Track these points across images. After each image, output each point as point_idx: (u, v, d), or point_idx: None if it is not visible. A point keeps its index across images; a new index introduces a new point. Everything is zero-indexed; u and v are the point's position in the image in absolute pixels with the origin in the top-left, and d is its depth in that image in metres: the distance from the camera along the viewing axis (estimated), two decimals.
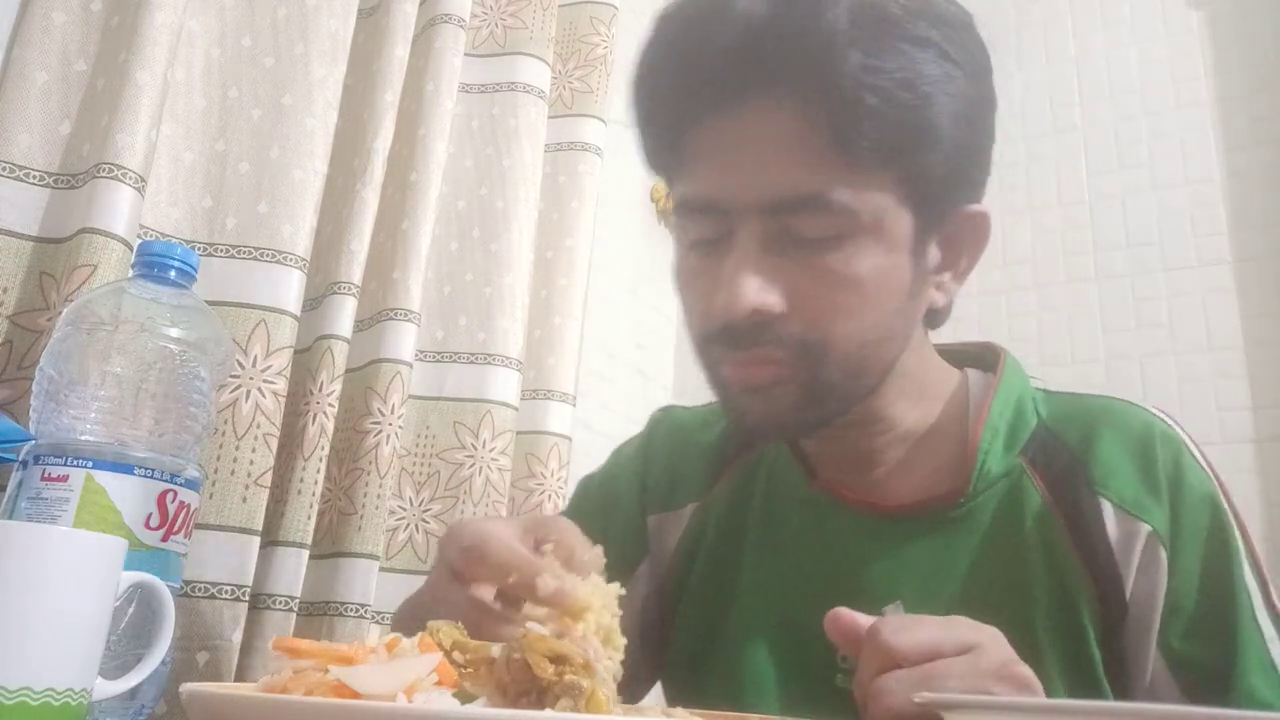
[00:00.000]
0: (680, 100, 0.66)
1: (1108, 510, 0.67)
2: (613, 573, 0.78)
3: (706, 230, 0.66)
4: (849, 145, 0.61)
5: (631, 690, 0.75)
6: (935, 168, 0.63)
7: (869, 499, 0.72)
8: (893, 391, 0.70)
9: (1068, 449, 0.70)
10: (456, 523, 0.66)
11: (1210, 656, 0.64)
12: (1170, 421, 0.71)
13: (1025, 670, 0.52)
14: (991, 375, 0.74)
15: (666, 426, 0.87)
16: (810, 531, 0.74)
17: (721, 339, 0.65)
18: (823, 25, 0.60)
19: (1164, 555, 0.65)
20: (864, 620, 0.53)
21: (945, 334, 0.77)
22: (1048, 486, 0.69)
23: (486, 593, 0.55)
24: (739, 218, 0.63)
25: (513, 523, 0.58)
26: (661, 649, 0.81)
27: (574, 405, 1.33)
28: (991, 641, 0.52)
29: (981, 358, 0.78)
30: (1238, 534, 0.67)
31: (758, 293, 0.62)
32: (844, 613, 0.54)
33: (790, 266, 0.63)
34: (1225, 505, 0.68)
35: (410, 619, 0.60)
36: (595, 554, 0.55)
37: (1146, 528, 0.66)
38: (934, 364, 0.75)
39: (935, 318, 0.73)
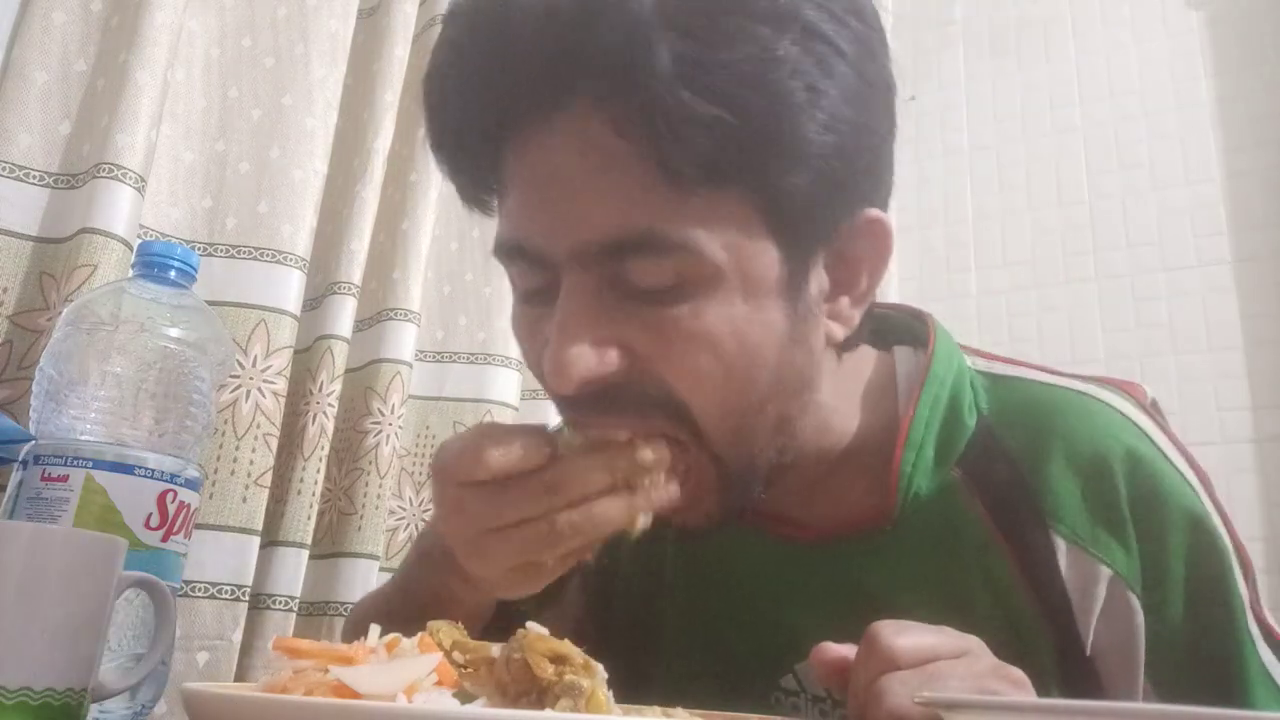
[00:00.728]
0: (471, 119, 0.54)
1: (1061, 548, 0.57)
2: (545, 597, 0.65)
3: (532, 280, 0.54)
4: (676, 169, 0.47)
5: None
6: (800, 184, 0.49)
7: (788, 529, 0.64)
8: (814, 428, 0.59)
9: (1011, 463, 0.59)
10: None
11: (1209, 680, 0.58)
12: (1134, 417, 0.60)
13: (1018, 671, 0.50)
14: (923, 354, 0.63)
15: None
16: (730, 556, 0.66)
17: (571, 405, 0.53)
18: (627, 12, 0.46)
19: (1134, 600, 0.57)
20: (849, 651, 0.48)
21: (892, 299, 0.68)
22: (989, 510, 0.59)
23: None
24: (561, 267, 0.51)
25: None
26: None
27: None
28: (980, 647, 0.50)
29: (911, 331, 0.66)
30: (1227, 543, 0.58)
31: (589, 360, 0.50)
32: (830, 646, 0.49)
33: (629, 322, 0.50)
34: (1209, 516, 0.58)
35: (395, 605, 0.57)
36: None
37: (1107, 571, 0.57)
38: (853, 380, 0.63)
39: (851, 340, 0.59)
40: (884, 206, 0.56)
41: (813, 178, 0.50)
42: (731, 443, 0.53)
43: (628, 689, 0.69)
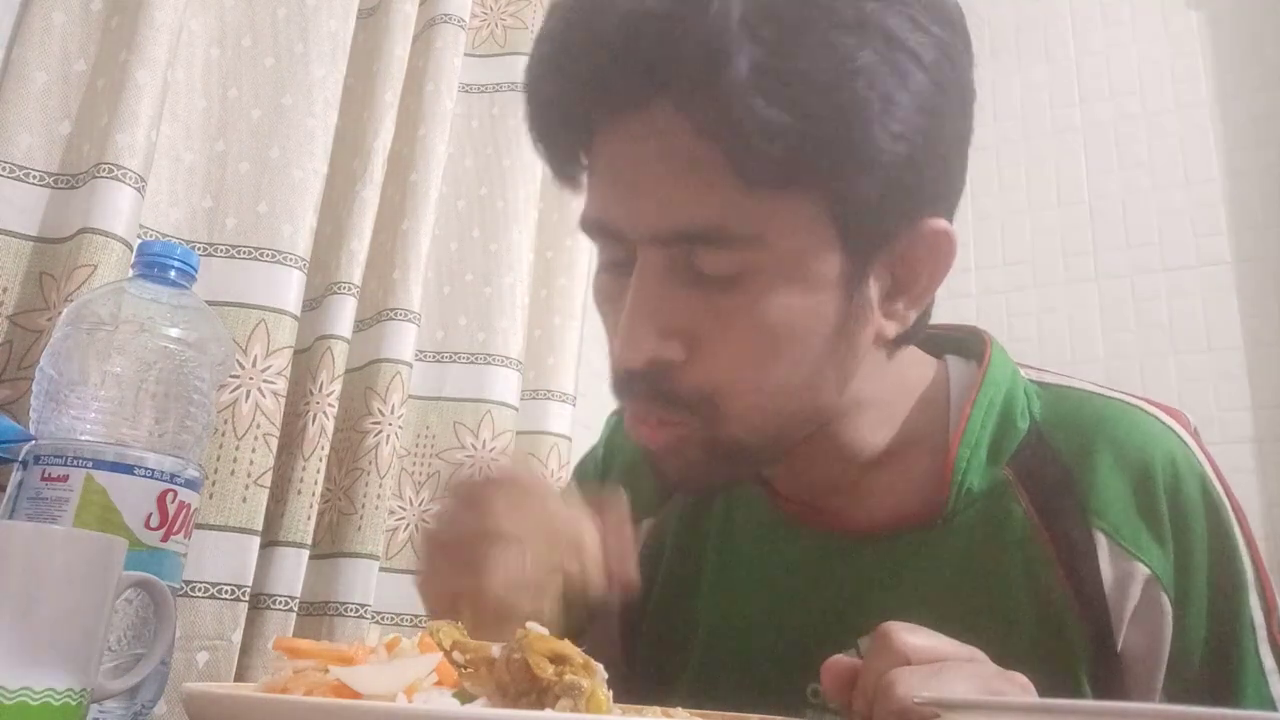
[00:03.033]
0: (568, 106, 0.57)
1: (1102, 545, 0.59)
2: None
3: (612, 253, 0.58)
4: (748, 169, 0.50)
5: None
6: (867, 190, 0.52)
7: (837, 522, 0.65)
8: (849, 421, 0.62)
9: (1060, 464, 0.61)
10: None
11: (1212, 696, 0.58)
12: (1178, 431, 0.63)
13: (1022, 676, 0.50)
14: (975, 366, 0.66)
15: (621, 430, 0.78)
16: (773, 553, 0.68)
17: (622, 387, 0.58)
18: (709, 17, 0.48)
19: (1167, 602, 0.58)
20: (857, 663, 0.50)
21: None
22: (1036, 508, 0.61)
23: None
24: (639, 245, 0.55)
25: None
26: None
27: (574, 405, 1.33)
28: (985, 657, 0.51)
29: (964, 344, 0.69)
30: (1248, 563, 0.60)
31: (656, 339, 0.54)
32: (840, 658, 0.50)
33: (694, 304, 0.54)
34: (1236, 535, 0.60)
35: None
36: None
37: (1145, 571, 0.58)
38: (899, 380, 0.65)
39: (904, 338, 0.62)
40: (951, 211, 0.58)
41: (881, 185, 0.51)
42: (750, 428, 0.56)
43: (663, 663, 0.71)
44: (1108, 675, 0.59)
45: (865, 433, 0.63)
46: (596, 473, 0.79)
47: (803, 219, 0.53)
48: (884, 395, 0.63)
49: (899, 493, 0.64)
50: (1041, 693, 0.55)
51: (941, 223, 0.57)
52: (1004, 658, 0.53)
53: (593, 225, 0.58)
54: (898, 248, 0.56)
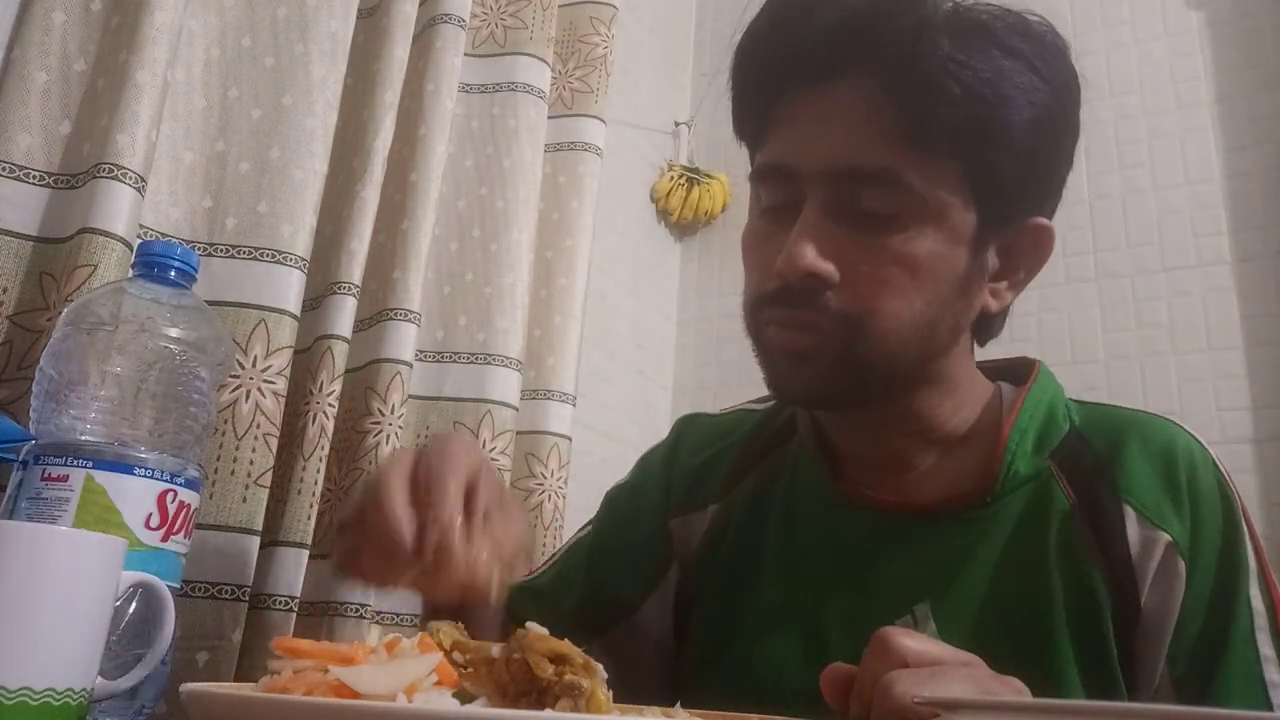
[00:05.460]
0: (776, 71, 0.69)
1: (1130, 516, 0.67)
2: (643, 578, 0.83)
3: (778, 195, 0.68)
4: (924, 129, 0.63)
5: (672, 695, 0.75)
6: (1004, 167, 0.65)
7: (895, 499, 0.73)
8: (935, 394, 0.71)
9: (1095, 454, 0.70)
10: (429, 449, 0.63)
11: (1201, 673, 0.64)
12: (1196, 435, 0.72)
13: (1018, 681, 0.53)
14: (1023, 387, 0.75)
15: (692, 431, 0.88)
16: (833, 532, 0.75)
17: (774, 298, 0.67)
18: (921, 14, 0.64)
19: (1183, 567, 0.66)
20: (855, 669, 0.53)
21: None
22: (1074, 489, 0.69)
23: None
24: (809, 183, 0.66)
25: (454, 470, 0.58)
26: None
27: (574, 405, 1.33)
28: (981, 662, 0.53)
29: (1014, 371, 0.78)
30: (1251, 553, 0.67)
31: (816, 257, 0.64)
32: (839, 665, 0.54)
33: (851, 238, 0.65)
34: (1243, 524, 0.68)
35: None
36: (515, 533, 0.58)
37: (1166, 537, 0.66)
38: (974, 373, 0.76)
39: (987, 326, 0.74)
40: (1051, 214, 0.71)
41: (1013, 166, 0.65)
42: (882, 351, 0.66)
43: (716, 635, 0.78)
44: (1130, 632, 0.66)
45: (945, 410, 0.72)
46: (664, 464, 0.86)
47: (952, 179, 0.65)
48: (964, 381, 0.74)
49: (954, 478, 0.72)
50: (1076, 651, 0.65)
51: (1045, 220, 0.70)
52: (1043, 622, 0.65)
53: (768, 169, 0.69)
54: (1009, 236, 0.69)
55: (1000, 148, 0.64)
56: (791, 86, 0.68)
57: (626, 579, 0.83)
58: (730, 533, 0.80)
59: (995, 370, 0.79)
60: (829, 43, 0.66)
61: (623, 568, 0.83)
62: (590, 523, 0.90)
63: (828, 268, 0.64)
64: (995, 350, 0.79)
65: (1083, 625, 0.66)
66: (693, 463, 0.84)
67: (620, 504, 0.88)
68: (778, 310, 0.67)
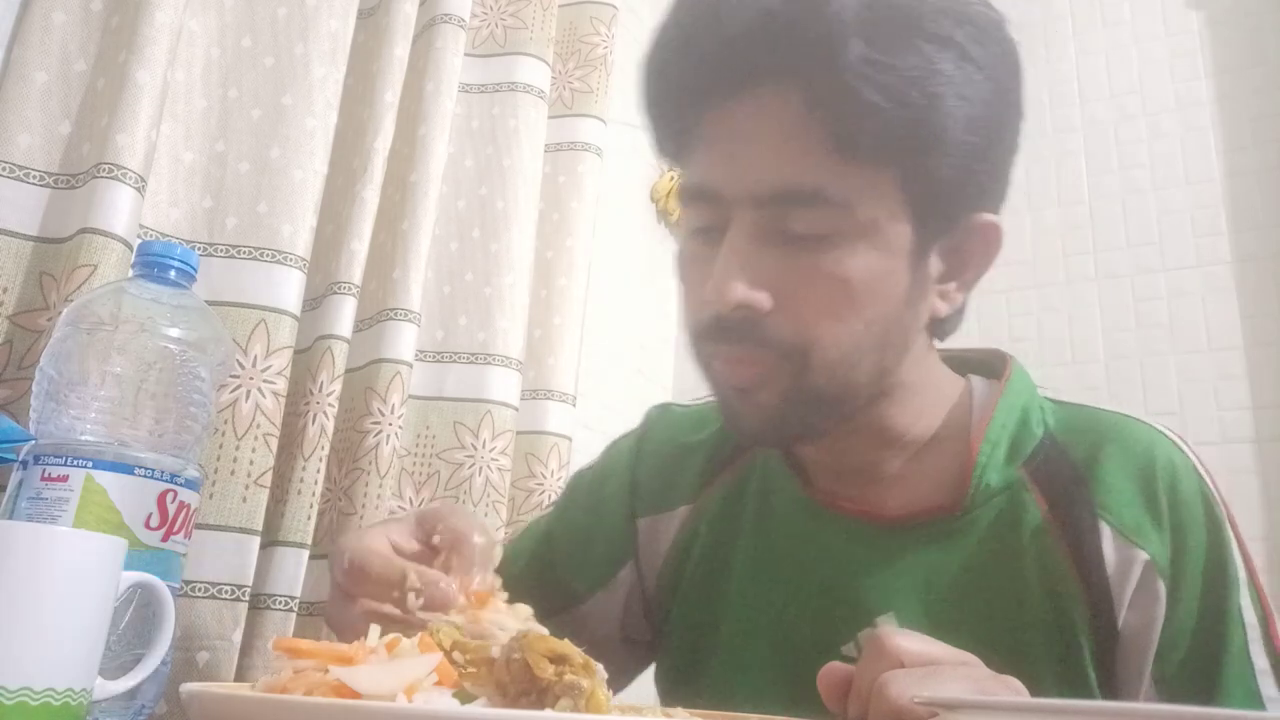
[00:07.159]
0: (687, 85, 0.64)
1: (1106, 534, 0.65)
2: (595, 575, 0.81)
3: (705, 218, 0.64)
4: (847, 142, 0.59)
5: (616, 683, 0.75)
6: (940, 172, 0.61)
7: (865, 508, 0.71)
8: (892, 405, 0.68)
9: (1071, 464, 0.67)
10: (342, 540, 0.63)
11: (1197, 691, 0.62)
12: (1180, 443, 0.69)
13: (1016, 680, 0.52)
14: (996, 383, 0.72)
15: (662, 425, 0.85)
16: (803, 538, 0.73)
17: (710, 332, 0.63)
18: (828, 14, 0.58)
19: (1162, 587, 0.63)
20: (852, 669, 0.52)
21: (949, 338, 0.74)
22: (1048, 502, 0.67)
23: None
24: (735, 207, 0.62)
25: (398, 526, 0.57)
26: (647, 649, 0.82)
27: (574, 405, 1.33)
28: (978, 661, 0.52)
29: (987, 364, 0.75)
30: (1239, 564, 0.65)
31: (745, 287, 0.60)
32: (836, 665, 0.53)
33: (781, 262, 0.61)
34: (1229, 534, 0.65)
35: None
36: (486, 541, 0.54)
37: (1144, 556, 0.64)
38: (937, 374, 0.73)
39: (942, 327, 0.70)
40: (998, 209, 0.67)
41: (950, 168, 0.61)
42: (831, 378, 0.63)
43: (693, 641, 0.76)
44: (1108, 653, 0.64)
45: (906, 419, 0.69)
46: (630, 455, 0.83)
47: (884, 190, 0.61)
48: (925, 385, 0.70)
49: (924, 486, 0.70)
50: (1049, 669, 0.62)
51: (991, 216, 0.66)
52: (1016, 638, 0.62)
53: (694, 191, 0.65)
54: (955, 235, 0.65)
55: (935, 154, 0.60)
56: (709, 100, 0.63)
57: (577, 571, 0.81)
58: (701, 537, 0.77)
59: (963, 361, 0.75)
60: (741, 52, 0.61)
61: (575, 558, 0.81)
62: (552, 505, 0.89)
63: (759, 297, 0.61)
64: (995, 348, 0.77)
65: (1060, 645, 0.64)
66: (662, 459, 0.82)
67: (582, 492, 0.85)
68: (720, 346, 0.64)
